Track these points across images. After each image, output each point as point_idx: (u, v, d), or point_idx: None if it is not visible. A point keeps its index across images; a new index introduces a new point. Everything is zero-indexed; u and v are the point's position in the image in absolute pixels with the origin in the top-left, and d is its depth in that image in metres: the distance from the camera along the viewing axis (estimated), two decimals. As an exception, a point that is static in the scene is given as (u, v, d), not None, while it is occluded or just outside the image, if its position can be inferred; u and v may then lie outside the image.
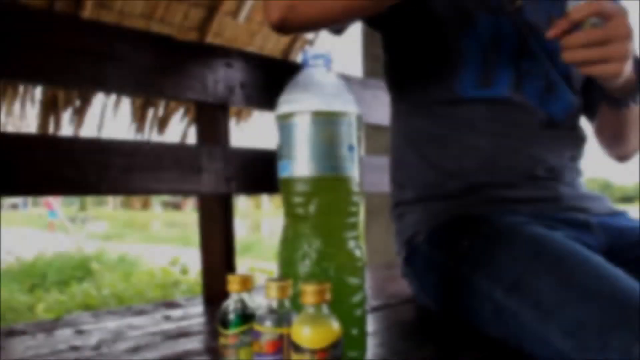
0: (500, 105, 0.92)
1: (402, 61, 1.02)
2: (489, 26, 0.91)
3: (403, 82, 1.01)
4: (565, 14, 0.76)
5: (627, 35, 0.74)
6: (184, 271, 5.02)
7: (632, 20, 0.78)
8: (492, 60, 0.92)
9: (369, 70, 2.29)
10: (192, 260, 5.33)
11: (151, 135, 3.62)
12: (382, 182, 1.53)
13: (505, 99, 0.92)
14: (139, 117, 3.56)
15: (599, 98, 0.99)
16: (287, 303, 0.53)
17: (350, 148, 0.61)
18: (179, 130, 3.73)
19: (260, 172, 1.18)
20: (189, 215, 21.27)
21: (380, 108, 1.50)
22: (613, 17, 0.73)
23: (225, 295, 0.58)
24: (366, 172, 1.50)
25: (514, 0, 0.93)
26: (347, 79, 1.01)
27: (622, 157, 1.06)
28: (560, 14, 0.77)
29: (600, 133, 1.05)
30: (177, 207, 29.34)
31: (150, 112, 3.60)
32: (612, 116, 0.97)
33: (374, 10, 0.84)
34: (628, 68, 0.77)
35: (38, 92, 3.21)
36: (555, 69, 0.95)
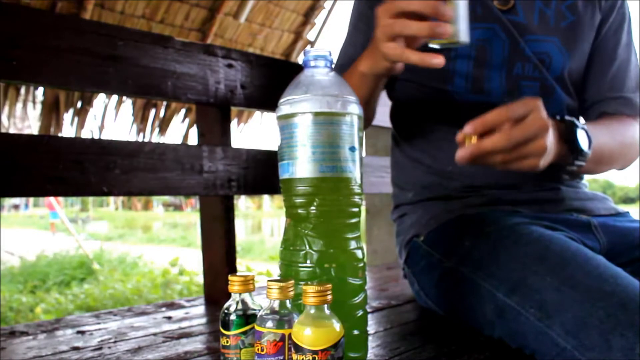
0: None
1: None
2: (479, 35, 0.90)
3: (401, 85, 1.01)
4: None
5: (544, 129, 0.70)
6: (181, 272, 5.03)
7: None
8: (483, 69, 0.91)
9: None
10: (192, 261, 5.34)
11: (152, 136, 3.62)
12: (382, 183, 1.53)
13: (500, 104, 0.92)
14: (141, 119, 3.56)
15: (594, 100, 1.00)
16: (288, 304, 0.53)
17: (352, 149, 0.61)
18: (181, 131, 3.74)
19: (261, 173, 1.18)
20: (190, 216, 21.28)
21: (380, 109, 1.49)
22: (528, 115, 0.70)
23: (226, 295, 0.58)
24: (367, 173, 1.50)
25: (506, 1, 0.92)
26: (348, 80, 1.00)
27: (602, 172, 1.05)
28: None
29: None
30: (178, 208, 29.37)
31: (152, 113, 3.61)
32: None
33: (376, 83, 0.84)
34: (549, 157, 0.74)
35: (40, 93, 3.22)
36: (549, 71, 0.94)
